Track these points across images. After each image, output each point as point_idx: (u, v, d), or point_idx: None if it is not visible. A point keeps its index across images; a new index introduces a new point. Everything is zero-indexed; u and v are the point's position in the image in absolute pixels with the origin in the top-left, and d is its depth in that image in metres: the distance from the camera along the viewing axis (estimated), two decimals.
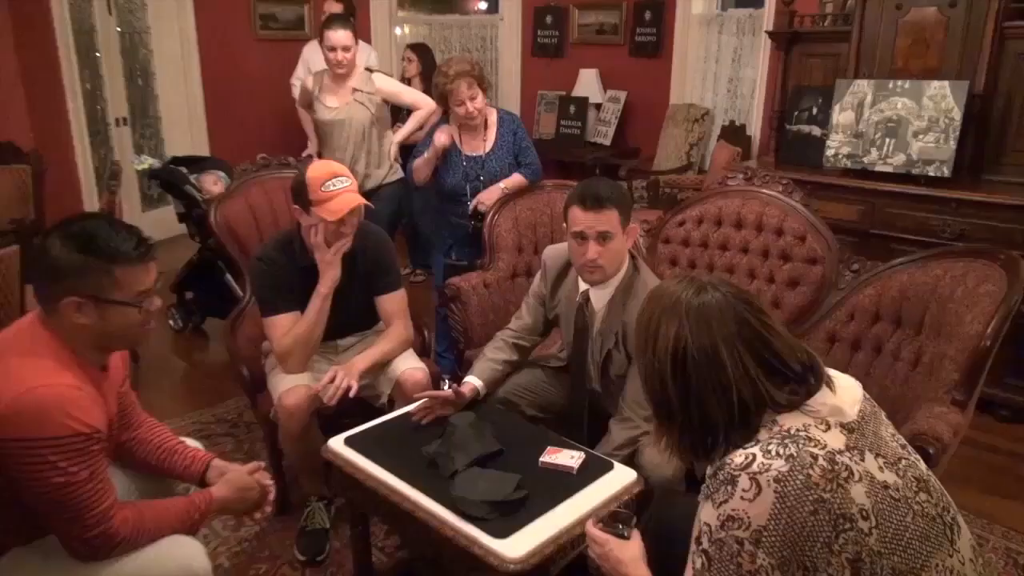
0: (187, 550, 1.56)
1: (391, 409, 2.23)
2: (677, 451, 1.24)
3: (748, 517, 1.09)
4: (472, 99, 2.86)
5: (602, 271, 2.04)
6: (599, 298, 2.13)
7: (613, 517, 1.42)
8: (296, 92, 4.45)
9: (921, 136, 3.19)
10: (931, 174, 3.18)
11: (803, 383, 1.17)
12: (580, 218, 1.99)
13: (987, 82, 3.12)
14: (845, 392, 1.21)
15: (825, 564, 1.08)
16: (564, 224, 2.09)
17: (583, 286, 2.16)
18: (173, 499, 1.62)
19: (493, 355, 2.25)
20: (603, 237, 1.98)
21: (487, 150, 3.02)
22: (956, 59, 3.18)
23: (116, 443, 1.66)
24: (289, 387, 2.17)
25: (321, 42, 3.43)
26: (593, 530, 1.40)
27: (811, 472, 1.07)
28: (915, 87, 3.19)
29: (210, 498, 1.63)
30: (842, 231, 3.03)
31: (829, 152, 3.46)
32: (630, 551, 1.35)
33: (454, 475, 1.74)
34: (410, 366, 2.31)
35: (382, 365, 2.31)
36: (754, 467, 1.10)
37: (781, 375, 1.17)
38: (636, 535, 1.39)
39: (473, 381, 2.17)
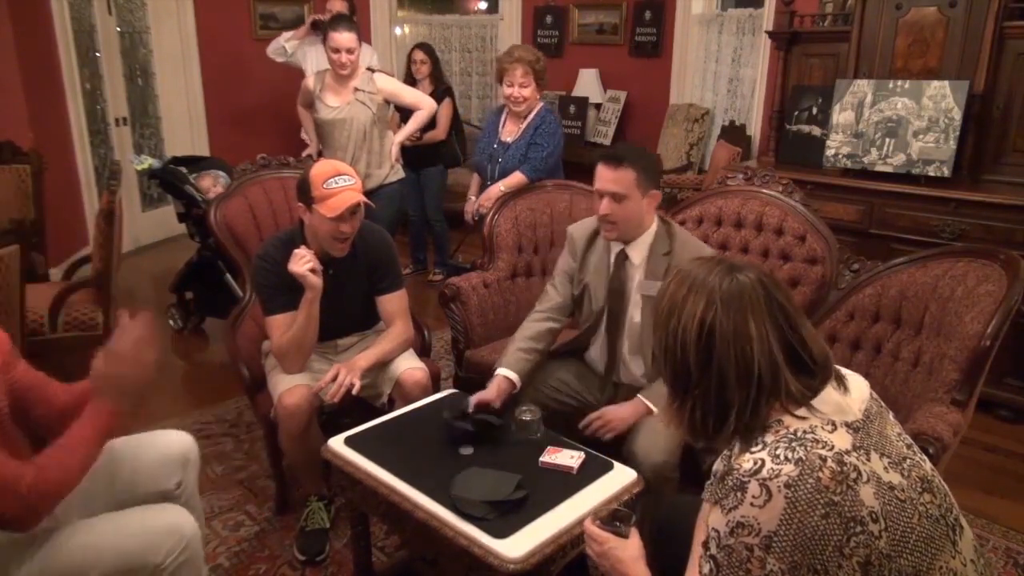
0: (175, 516, 1.59)
1: (391, 409, 2.23)
2: (687, 427, 1.22)
3: (758, 523, 1.08)
4: (523, 86, 3.12)
5: (615, 228, 2.09)
6: (637, 253, 2.15)
7: (612, 516, 1.42)
8: (271, 50, 4.49)
9: (921, 136, 3.20)
10: (931, 174, 3.18)
11: (816, 377, 1.17)
12: (599, 174, 2.08)
13: (987, 82, 3.12)
14: (853, 391, 1.20)
15: (836, 568, 1.08)
16: None
17: (617, 246, 2.18)
18: (74, 425, 1.50)
19: (523, 344, 2.21)
20: (616, 198, 2.04)
21: (514, 138, 3.21)
22: (956, 59, 3.18)
23: (33, 422, 1.60)
24: (289, 387, 2.17)
25: (324, 42, 3.43)
26: (592, 528, 1.40)
27: (821, 475, 1.07)
28: (915, 87, 3.19)
29: (96, 389, 1.51)
30: (842, 231, 3.03)
31: (829, 152, 3.46)
32: (630, 550, 1.35)
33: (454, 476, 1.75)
34: (410, 366, 2.31)
35: (382, 365, 2.31)
36: (763, 473, 1.09)
37: (800, 364, 1.16)
38: (635, 534, 1.38)
39: (507, 373, 2.14)
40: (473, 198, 3.47)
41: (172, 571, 1.53)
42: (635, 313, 2.17)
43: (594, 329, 2.27)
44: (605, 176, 2.06)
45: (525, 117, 3.21)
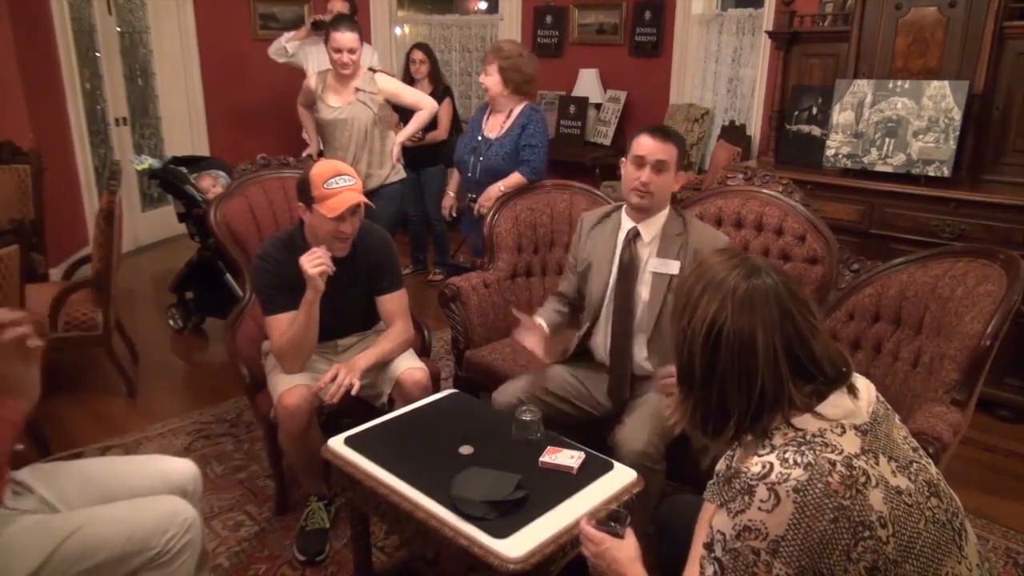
0: (177, 504, 1.63)
1: (391, 409, 2.23)
2: (688, 423, 1.23)
3: (766, 527, 1.07)
4: (487, 75, 3.15)
5: (651, 197, 2.18)
6: (648, 232, 2.23)
7: (609, 516, 1.42)
8: (272, 51, 4.51)
9: (921, 136, 3.20)
10: (931, 174, 3.18)
11: (826, 386, 1.15)
12: (644, 144, 2.16)
13: (987, 82, 3.13)
14: (861, 394, 1.19)
15: (842, 572, 1.07)
16: (622, 160, 2.25)
17: (629, 224, 2.25)
18: None
19: (552, 305, 2.39)
20: (659, 167, 2.14)
21: (497, 135, 3.18)
22: (956, 59, 3.18)
23: None
24: (289, 387, 2.17)
25: (326, 42, 3.43)
26: (588, 528, 1.39)
27: (830, 480, 1.06)
28: (915, 87, 3.20)
29: None
30: (842, 231, 3.03)
31: (829, 152, 3.46)
32: (625, 550, 1.34)
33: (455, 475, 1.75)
34: (410, 366, 2.31)
35: (382, 365, 2.31)
36: (772, 477, 1.08)
37: (807, 376, 1.14)
38: (630, 534, 1.38)
39: (538, 319, 2.27)
40: (452, 194, 3.54)
41: (175, 553, 1.59)
42: (643, 291, 2.22)
43: (596, 315, 2.30)
44: (652, 146, 2.15)
45: (509, 115, 3.19)
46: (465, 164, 3.31)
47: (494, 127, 3.22)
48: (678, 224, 2.24)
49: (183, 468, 1.80)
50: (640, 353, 2.24)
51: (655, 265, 2.20)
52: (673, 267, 2.18)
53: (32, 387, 1.47)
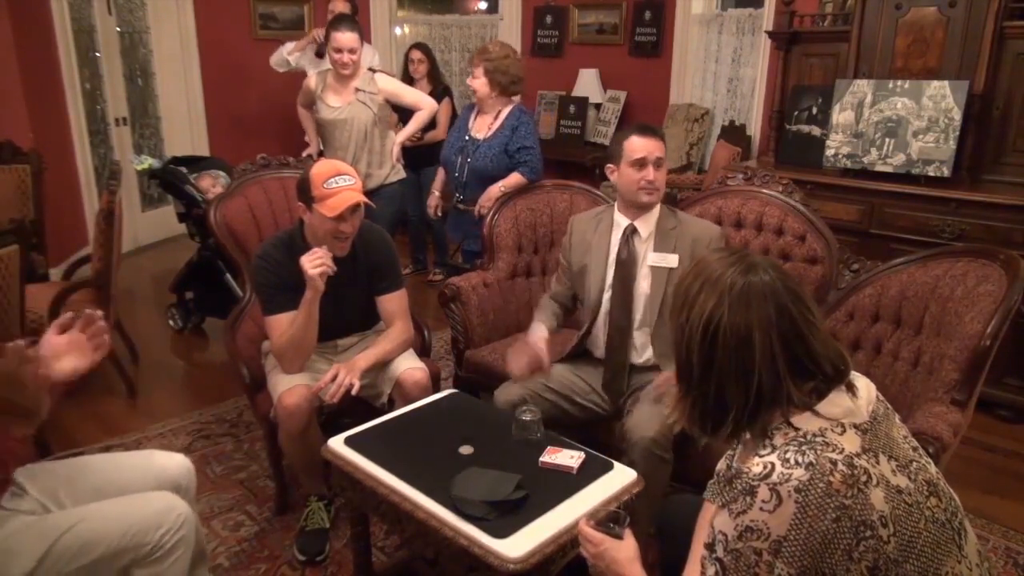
0: (170, 500, 1.65)
1: (391, 409, 2.23)
2: (687, 420, 1.23)
3: (768, 528, 1.07)
4: (474, 78, 3.16)
5: (658, 193, 2.26)
6: (644, 228, 2.29)
7: (608, 517, 1.42)
8: (273, 61, 4.54)
9: (921, 136, 3.20)
10: (931, 174, 3.18)
11: (825, 384, 1.15)
12: (640, 145, 2.22)
13: (987, 82, 3.12)
14: (861, 393, 1.19)
15: (844, 572, 1.07)
16: (610, 166, 2.30)
17: (624, 222, 2.29)
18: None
19: (550, 307, 2.43)
20: (659, 163, 2.23)
21: (485, 136, 3.17)
22: (956, 59, 3.18)
23: None
24: (289, 387, 2.17)
25: (327, 42, 3.43)
26: (587, 529, 1.39)
27: (832, 479, 1.06)
28: (915, 87, 3.20)
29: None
30: (842, 231, 3.03)
31: (829, 152, 3.46)
32: (624, 551, 1.34)
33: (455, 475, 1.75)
34: (410, 366, 2.31)
35: (382, 365, 2.31)
36: (774, 477, 1.08)
37: (807, 373, 1.14)
38: (629, 535, 1.38)
39: (540, 329, 2.30)
40: (436, 193, 3.54)
41: (169, 548, 1.60)
42: (644, 285, 2.26)
43: (595, 313, 2.32)
44: (649, 145, 2.22)
45: (497, 116, 3.18)
46: (452, 164, 3.30)
47: (482, 128, 3.21)
48: (671, 219, 2.30)
49: (176, 463, 1.80)
50: (642, 346, 2.26)
51: (654, 259, 2.24)
52: (672, 260, 2.22)
53: (36, 410, 1.46)
